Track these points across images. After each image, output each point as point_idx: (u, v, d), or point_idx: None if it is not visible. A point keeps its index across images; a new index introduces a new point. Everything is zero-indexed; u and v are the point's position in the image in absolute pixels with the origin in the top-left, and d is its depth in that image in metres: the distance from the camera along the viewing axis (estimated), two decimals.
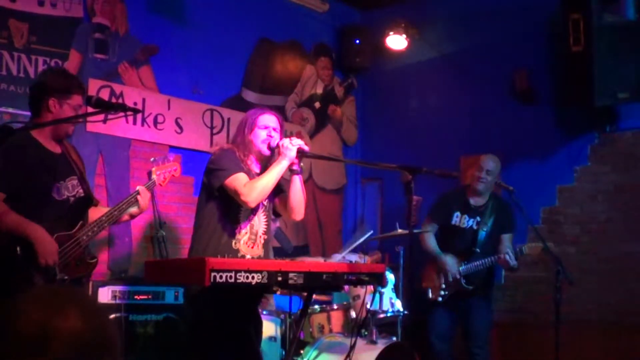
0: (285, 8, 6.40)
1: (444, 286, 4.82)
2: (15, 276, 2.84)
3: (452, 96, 6.39)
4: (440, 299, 4.82)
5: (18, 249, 2.84)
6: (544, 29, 5.76)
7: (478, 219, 4.83)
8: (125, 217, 3.34)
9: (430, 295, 4.86)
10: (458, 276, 4.75)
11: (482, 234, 4.80)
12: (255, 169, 3.43)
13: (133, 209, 3.31)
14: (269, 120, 3.42)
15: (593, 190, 5.50)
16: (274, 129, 3.42)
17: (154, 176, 3.45)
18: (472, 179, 4.90)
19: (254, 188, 3.23)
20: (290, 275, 2.92)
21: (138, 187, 3.33)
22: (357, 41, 6.82)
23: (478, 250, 4.77)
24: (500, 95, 5.99)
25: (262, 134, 3.39)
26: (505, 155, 5.87)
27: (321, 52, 6.83)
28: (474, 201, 4.87)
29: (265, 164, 3.44)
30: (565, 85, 5.52)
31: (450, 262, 4.78)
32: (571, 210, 5.54)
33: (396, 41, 6.53)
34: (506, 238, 4.83)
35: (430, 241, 4.90)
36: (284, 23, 6.41)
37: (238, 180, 3.23)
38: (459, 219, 4.87)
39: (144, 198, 3.30)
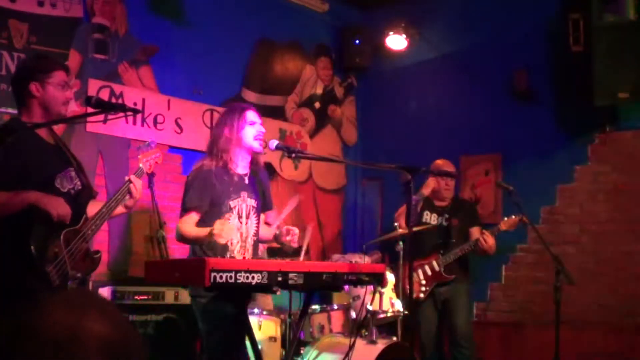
0: (285, 8, 6.40)
1: (423, 282, 4.94)
2: (31, 273, 2.77)
3: (452, 96, 6.38)
4: (422, 295, 4.92)
5: (32, 247, 2.77)
6: (544, 29, 5.75)
7: (446, 216, 5.05)
8: (122, 209, 3.26)
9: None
10: (432, 276, 4.91)
11: (454, 228, 5.02)
12: (243, 170, 3.45)
13: (127, 201, 3.25)
14: (254, 116, 3.46)
15: (593, 190, 5.50)
16: (261, 124, 3.47)
17: (140, 164, 3.43)
18: (437, 186, 5.05)
19: (181, 236, 3.38)
20: (290, 275, 2.92)
21: (129, 177, 3.26)
22: (357, 41, 6.82)
23: (454, 240, 4.96)
24: (500, 95, 5.99)
25: (252, 130, 3.42)
26: (505, 155, 5.88)
27: (321, 52, 6.83)
28: (438, 203, 5.11)
29: (255, 160, 3.51)
30: (565, 85, 5.52)
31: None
32: (571, 210, 5.54)
33: (396, 41, 6.53)
34: (476, 230, 5.01)
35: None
36: (284, 23, 6.41)
37: (183, 222, 3.36)
38: (429, 218, 5.07)
39: (137, 187, 3.24)
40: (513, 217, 4.81)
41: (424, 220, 5.05)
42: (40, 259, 2.80)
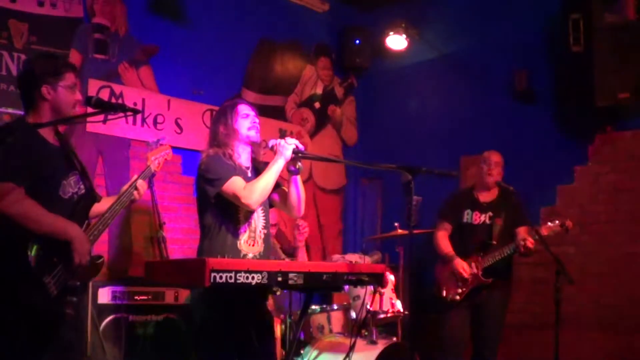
0: (285, 8, 6.40)
1: (460, 284, 4.72)
2: (28, 284, 2.71)
3: (452, 96, 6.38)
4: (457, 297, 4.71)
5: (29, 257, 2.70)
6: (544, 29, 5.75)
7: (490, 214, 4.79)
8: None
9: (446, 295, 4.77)
10: (470, 278, 4.67)
11: (497, 227, 4.75)
12: (245, 162, 3.43)
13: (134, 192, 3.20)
14: (246, 108, 3.46)
15: (593, 190, 5.50)
16: (255, 116, 3.46)
17: (148, 163, 3.40)
18: (480, 175, 4.86)
19: (254, 190, 3.23)
20: (290, 275, 2.91)
21: (135, 177, 3.24)
22: (357, 41, 6.82)
23: (494, 242, 4.69)
24: (500, 95, 5.99)
25: (246, 122, 3.41)
26: (505, 155, 5.87)
27: (321, 52, 6.83)
28: (483, 197, 4.85)
29: (256, 161, 3.47)
30: (565, 85, 5.52)
31: (462, 265, 4.69)
32: (571, 210, 5.53)
33: (396, 41, 6.53)
34: (522, 230, 4.73)
35: (444, 243, 4.84)
36: (284, 23, 6.41)
37: (235, 185, 3.23)
38: (470, 216, 4.83)
39: (141, 188, 3.22)
40: (557, 222, 4.58)
41: (464, 220, 4.82)
42: (38, 269, 2.72)
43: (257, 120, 3.45)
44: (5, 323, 2.69)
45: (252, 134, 3.41)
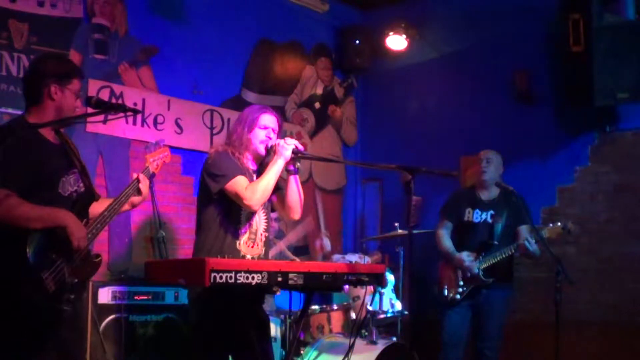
0: (285, 8, 6.40)
1: (461, 283, 4.72)
2: (25, 280, 2.70)
3: (452, 96, 6.39)
4: (458, 296, 4.71)
5: (28, 253, 2.70)
6: (544, 29, 5.75)
7: (491, 212, 4.79)
8: (126, 206, 3.20)
9: (447, 294, 4.75)
10: (476, 271, 4.66)
11: (498, 226, 4.75)
12: (252, 166, 3.44)
13: (134, 198, 3.19)
14: (269, 120, 3.43)
15: (593, 190, 5.51)
16: (273, 130, 3.44)
17: (147, 164, 3.40)
18: (477, 174, 4.88)
19: (255, 190, 3.23)
20: (290, 275, 2.92)
21: (138, 175, 3.22)
22: (357, 41, 6.82)
23: (496, 242, 4.69)
24: (500, 96, 5.99)
25: (261, 134, 3.40)
26: (505, 155, 5.88)
27: (321, 52, 6.83)
28: (484, 196, 4.86)
29: (261, 162, 3.46)
30: (565, 85, 5.52)
31: (466, 258, 4.68)
32: (571, 210, 5.54)
33: (396, 41, 6.53)
34: (524, 229, 4.74)
35: (446, 241, 4.84)
36: (284, 23, 6.41)
37: (238, 184, 3.23)
38: (471, 214, 4.83)
39: (144, 185, 3.21)
40: (558, 224, 4.59)
41: (465, 218, 4.82)
42: (36, 265, 2.71)
43: (273, 137, 3.42)
44: (3, 319, 2.69)
45: (262, 149, 3.41)
